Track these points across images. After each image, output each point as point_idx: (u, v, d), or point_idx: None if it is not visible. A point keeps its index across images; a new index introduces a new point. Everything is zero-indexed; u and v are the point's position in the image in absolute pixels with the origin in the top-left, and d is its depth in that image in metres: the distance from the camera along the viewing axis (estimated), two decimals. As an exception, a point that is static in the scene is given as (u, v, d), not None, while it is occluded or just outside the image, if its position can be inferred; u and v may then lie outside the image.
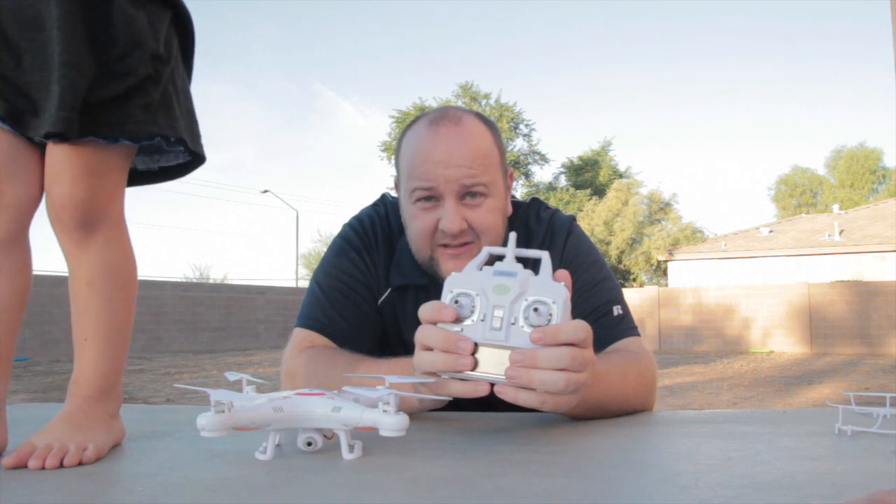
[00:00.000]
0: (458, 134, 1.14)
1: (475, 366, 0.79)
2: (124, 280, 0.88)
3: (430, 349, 0.81)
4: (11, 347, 0.84)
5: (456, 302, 0.81)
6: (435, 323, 0.81)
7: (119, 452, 0.82)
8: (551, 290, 0.80)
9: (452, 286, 0.82)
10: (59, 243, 0.87)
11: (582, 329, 0.80)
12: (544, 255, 0.84)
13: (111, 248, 0.87)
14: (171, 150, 0.92)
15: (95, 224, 0.85)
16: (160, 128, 0.85)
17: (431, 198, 1.14)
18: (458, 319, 0.81)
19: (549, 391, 0.78)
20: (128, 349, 0.90)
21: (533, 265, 0.84)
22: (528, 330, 0.79)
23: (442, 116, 1.17)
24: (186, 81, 0.94)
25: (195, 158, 0.95)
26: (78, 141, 0.81)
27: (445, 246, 1.15)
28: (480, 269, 0.83)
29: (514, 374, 0.77)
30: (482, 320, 0.80)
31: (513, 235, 0.86)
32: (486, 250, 0.86)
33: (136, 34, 0.83)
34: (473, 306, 0.81)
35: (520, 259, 0.84)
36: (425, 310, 0.83)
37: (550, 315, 0.79)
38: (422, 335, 0.82)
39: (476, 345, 0.79)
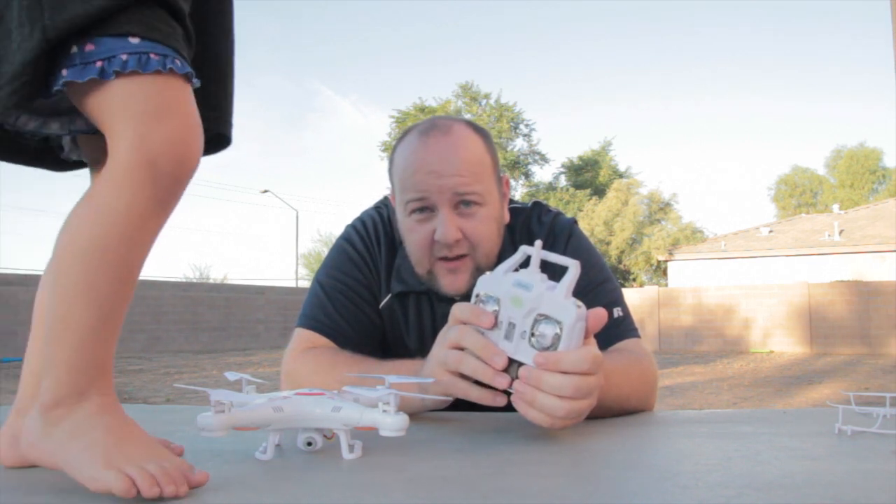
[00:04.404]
0: (448, 143, 1.13)
1: (510, 384, 0.81)
2: None
3: (460, 349, 0.83)
4: None
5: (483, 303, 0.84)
6: (466, 324, 0.84)
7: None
8: (562, 311, 0.79)
9: (482, 289, 0.85)
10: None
11: (585, 360, 0.79)
12: (572, 266, 0.82)
13: None
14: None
15: None
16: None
17: (426, 209, 1.13)
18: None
19: (549, 415, 0.80)
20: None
21: (561, 272, 0.83)
22: (533, 349, 0.80)
23: (431, 127, 1.16)
24: None
25: None
26: None
27: (444, 259, 1.14)
28: (512, 271, 0.84)
29: (521, 390, 0.80)
30: (498, 328, 0.82)
31: (538, 243, 0.85)
32: (523, 250, 0.86)
33: None
34: (497, 312, 0.83)
35: (549, 265, 0.85)
36: (463, 310, 0.85)
37: (557, 336, 0.79)
38: (460, 335, 0.84)
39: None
